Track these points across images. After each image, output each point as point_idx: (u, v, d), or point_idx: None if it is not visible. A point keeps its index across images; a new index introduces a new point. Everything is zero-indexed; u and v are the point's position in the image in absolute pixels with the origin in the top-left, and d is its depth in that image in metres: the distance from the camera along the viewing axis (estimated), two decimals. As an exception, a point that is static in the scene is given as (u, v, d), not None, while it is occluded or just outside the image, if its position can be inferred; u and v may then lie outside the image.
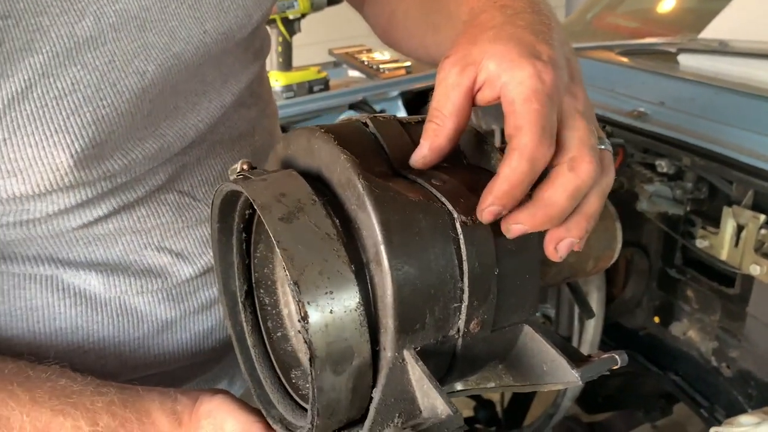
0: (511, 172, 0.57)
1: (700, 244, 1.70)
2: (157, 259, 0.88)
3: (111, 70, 0.72)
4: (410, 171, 0.63)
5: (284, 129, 2.29)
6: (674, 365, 2.00)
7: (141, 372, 0.90)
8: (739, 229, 1.61)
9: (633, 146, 1.81)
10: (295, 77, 2.34)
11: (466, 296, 0.59)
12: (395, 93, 2.49)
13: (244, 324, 0.75)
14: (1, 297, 0.83)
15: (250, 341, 0.75)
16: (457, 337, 0.61)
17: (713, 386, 1.87)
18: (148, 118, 0.78)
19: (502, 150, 0.63)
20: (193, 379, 0.98)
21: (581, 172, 0.59)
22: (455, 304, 0.59)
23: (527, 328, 0.65)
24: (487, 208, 0.58)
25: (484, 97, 0.62)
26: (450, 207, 0.60)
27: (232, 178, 0.66)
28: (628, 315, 2.04)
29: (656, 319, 2.01)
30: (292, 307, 0.73)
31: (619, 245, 0.76)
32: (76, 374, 0.77)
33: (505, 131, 0.59)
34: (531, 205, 0.58)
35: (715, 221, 1.67)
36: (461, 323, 0.60)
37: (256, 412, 0.75)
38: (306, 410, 0.69)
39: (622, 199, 1.88)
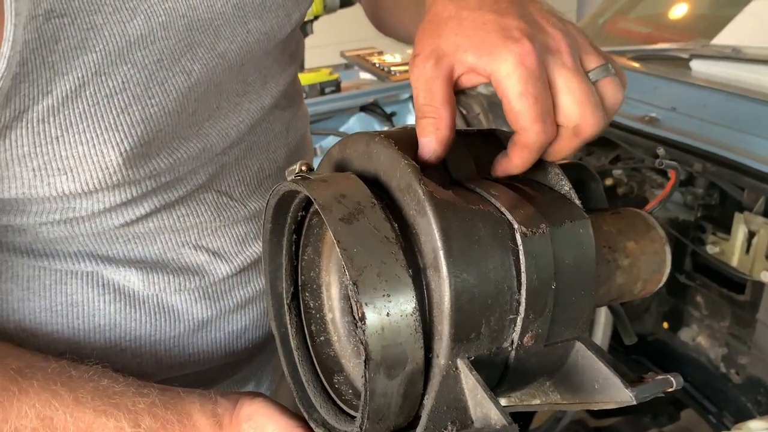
0: (520, 162, 0.63)
1: (711, 250, 1.70)
2: (195, 258, 0.88)
3: (159, 69, 0.72)
4: (468, 180, 0.63)
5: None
6: (683, 371, 1.98)
7: (176, 372, 0.90)
8: (751, 235, 1.60)
9: (644, 151, 1.80)
10: (307, 79, 2.35)
11: (522, 308, 0.58)
12: (407, 95, 2.50)
13: (289, 326, 0.74)
14: (43, 292, 0.82)
15: (293, 344, 0.74)
16: (510, 349, 0.60)
17: (722, 392, 1.87)
18: (192, 117, 0.78)
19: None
20: (225, 380, 0.97)
21: (586, 132, 0.62)
22: (511, 316, 0.58)
23: (579, 345, 0.64)
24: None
25: (468, 82, 0.63)
26: (510, 217, 0.59)
27: (289, 178, 0.65)
28: (637, 320, 2.04)
29: (665, 325, 2.01)
30: (337, 313, 0.72)
31: (668, 269, 0.75)
32: (118, 375, 0.77)
33: (508, 121, 0.61)
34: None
35: (726, 227, 1.67)
36: (516, 335, 0.59)
37: (297, 417, 0.75)
38: (349, 415, 0.68)
39: (632, 205, 1.86)
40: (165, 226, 0.83)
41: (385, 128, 2.43)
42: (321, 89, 2.37)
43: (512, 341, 0.60)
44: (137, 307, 0.85)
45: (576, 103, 0.61)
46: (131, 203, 0.78)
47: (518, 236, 0.58)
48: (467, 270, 0.56)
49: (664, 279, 0.75)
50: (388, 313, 0.55)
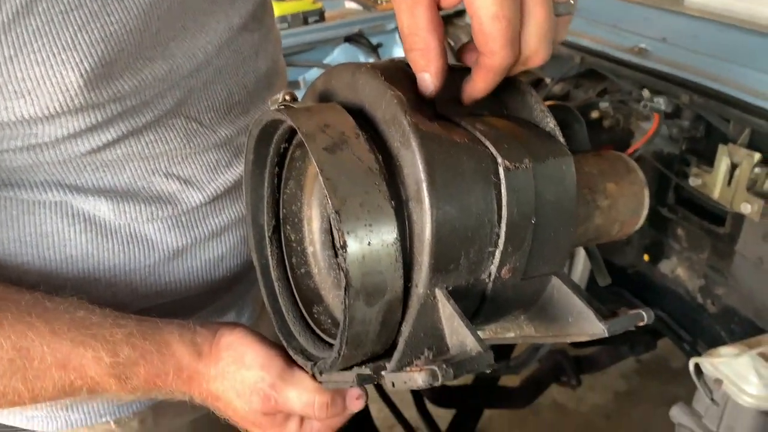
0: (484, 85, 0.62)
1: (693, 182, 1.71)
2: (166, 186, 0.85)
3: None
4: (454, 114, 0.63)
5: (276, 61, 2.25)
6: (661, 302, 2.03)
7: (152, 301, 0.89)
8: (733, 167, 1.61)
9: (632, 83, 1.79)
10: (289, 8, 2.27)
11: (501, 242, 0.59)
12: (393, 26, 2.43)
13: (270, 258, 0.75)
14: (10, 222, 0.80)
15: (274, 275, 0.75)
16: (488, 281, 0.61)
17: (697, 322, 1.91)
18: (156, 36, 0.75)
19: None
20: (203, 309, 0.97)
21: (533, 64, 0.62)
22: (490, 248, 0.59)
23: (555, 280, 0.65)
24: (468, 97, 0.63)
25: (446, 4, 0.61)
26: (493, 151, 0.59)
27: (273, 108, 0.64)
28: (618, 252, 2.06)
29: (646, 257, 2.03)
30: (318, 246, 0.73)
31: (646, 211, 0.76)
32: (94, 306, 0.76)
33: (476, 44, 0.59)
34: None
35: (710, 160, 1.67)
36: (494, 268, 0.60)
37: (276, 346, 0.75)
38: (327, 343, 0.70)
39: (618, 137, 1.87)
40: (133, 153, 0.81)
41: (372, 60, 2.41)
42: (304, 18, 2.29)
43: (490, 273, 0.60)
44: (109, 236, 0.83)
45: (537, 35, 0.60)
46: (96, 129, 0.75)
47: (501, 170, 0.58)
48: (449, 202, 0.56)
49: (642, 221, 0.76)
50: (369, 243, 0.56)
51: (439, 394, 2.43)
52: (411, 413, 2.39)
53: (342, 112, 0.61)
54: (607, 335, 0.61)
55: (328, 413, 0.75)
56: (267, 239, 0.74)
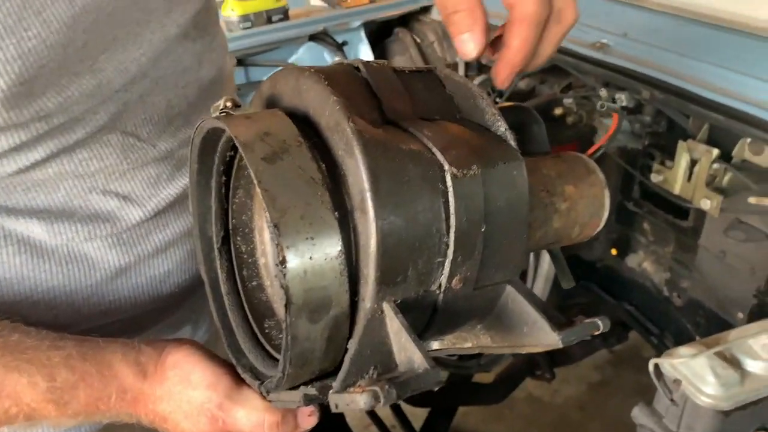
0: (522, 43, 0.61)
1: (655, 178, 1.72)
2: (104, 204, 0.82)
3: None
4: (401, 120, 0.60)
5: (241, 62, 2.22)
6: (629, 295, 2.06)
7: (97, 321, 0.86)
8: (693, 163, 1.62)
9: (594, 79, 1.79)
10: (252, 6, 2.22)
11: (450, 251, 0.57)
12: (358, 23, 2.42)
13: (219, 271, 0.72)
14: None
15: (224, 289, 0.72)
16: (438, 292, 0.59)
17: (664, 315, 1.93)
18: (83, 50, 0.71)
19: (495, 102, 0.63)
20: (154, 325, 0.94)
21: (567, 22, 0.63)
22: (439, 259, 0.57)
23: (510, 289, 0.63)
24: (506, 78, 0.63)
25: None
26: (440, 158, 0.57)
27: (214, 115, 0.62)
28: (587, 247, 2.06)
29: (613, 251, 2.05)
30: (270, 257, 0.70)
31: (606, 213, 0.74)
32: (30, 329, 0.73)
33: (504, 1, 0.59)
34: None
35: (673, 155, 1.68)
36: (444, 279, 0.58)
37: (224, 363, 0.73)
38: (276, 360, 0.67)
39: (581, 133, 1.86)
40: (67, 172, 0.77)
41: (336, 58, 2.38)
42: (267, 17, 2.24)
43: (440, 284, 0.58)
44: (45, 257, 0.80)
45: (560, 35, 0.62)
46: (22, 148, 0.72)
47: (448, 177, 0.56)
48: (395, 212, 0.54)
49: (602, 223, 0.75)
50: (311, 257, 0.53)
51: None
52: (386, 413, 2.37)
53: (284, 119, 0.58)
54: (561, 346, 0.59)
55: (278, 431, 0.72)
56: (216, 251, 0.72)
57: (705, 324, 1.77)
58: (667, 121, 1.74)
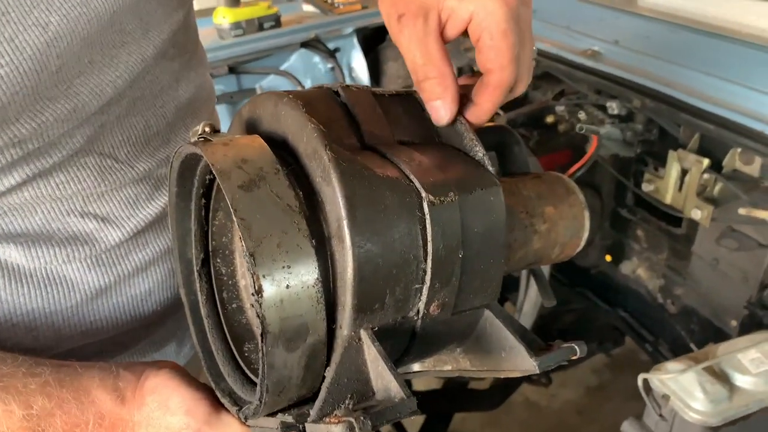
0: (492, 106, 0.64)
1: (646, 188, 1.72)
2: (82, 226, 0.81)
3: (6, 24, 0.64)
4: (380, 145, 0.61)
5: (233, 69, 2.22)
6: (623, 302, 2.07)
7: (79, 341, 0.85)
8: (683, 173, 1.63)
9: (587, 87, 1.79)
10: (243, 14, 2.23)
11: (428, 278, 0.57)
12: (350, 30, 2.42)
13: (199, 293, 0.72)
14: None
15: (203, 311, 0.72)
16: (416, 318, 0.59)
17: (658, 322, 1.94)
18: (57, 75, 0.70)
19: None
20: (137, 344, 0.93)
21: (517, 92, 0.66)
22: (416, 286, 0.57)
23: (488, 313, 0.63)
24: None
25: (452, 31, 0.62)
26: (418, 185, 0.57)
27: (192, 140, 0.61)
28: (582, 254, 2.05)
29: (608, 258, 2.06)
30: (249, 279, 0.69)
31: (586, 234, 0.75)
32: (6, 355, 0.72)
33: (482, 63, 0.62)
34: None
35: (665, 163, 1.69)
36: (421, 305, 0.58)
37: (203, 388, 0.72)
38: (256, 385, 0.67)
39: (574, 141, 1.86)
40: (43, 196, 0.76)
41: (329, 65, 2.38)
42: (259, 25, 2.26)
43: (418, 310, 0.58)
44: (24, 281, 0.79)
45: (527, 62, 0.63)
46: None
47: (425, 205, 0.56)
48: (372, 240, 0.54)
49: (583, 243, 0.75)
50: (287, 285, 0.53)
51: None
52: (381, 418, 2.36)
53: (261, 145, 0.58)
54: (538, 372, 0.59)
55: None
56: (196, 274, 0.71)
57: (699, 331, 1.78)
58: (659, 130, 1.74)
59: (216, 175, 0.55)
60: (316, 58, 2.38)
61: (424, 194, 0.56)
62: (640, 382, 1.30)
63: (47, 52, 0.67)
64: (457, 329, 0.63)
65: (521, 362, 0.61)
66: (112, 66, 0.76)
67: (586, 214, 0.74)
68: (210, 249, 0.71)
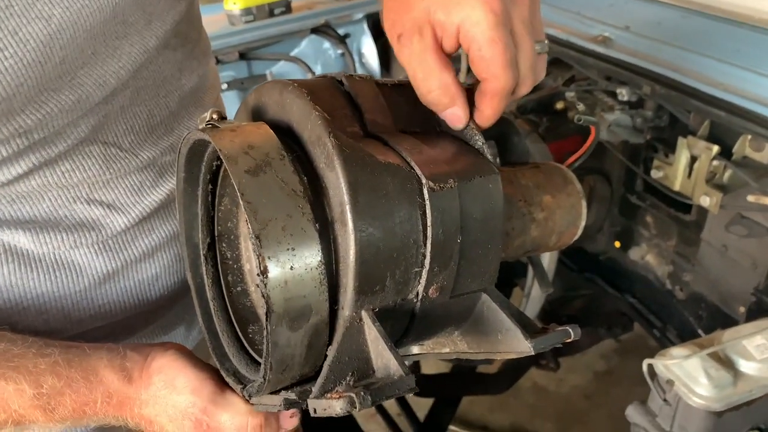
0: (493, 112, 0.64)
1: (655, 174, 1.73)
2: (88, 212, 0.83)
3: (9, 17, 0.66)
4: (383, 133, 0.63)
5: (243, 55, 2.23)
6: (632, 288, 2.07)
7: (87, 325, 0.87)
8: (693, 160, 1.62)
9: (597, 73, 1.79)
10: (254, 0, 2.24)
11: (427, 261, 0.59)
12: (360, 15, 2.43)
13: (205, 277, 0.74)
14: None
15: (209, 294, 0.74)
16: (415, 301, 0.61)
17: (667, 308, 1.94)
18: (61, 66, 0.72)
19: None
20: (145, 327, 0.95)
21: (519, 94, 0.66)
22: (416, 269, 0.59)
23: (485, 297, 0.65)
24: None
25: (448, 46, 0.63)
26: (419, 172, 0.59)
27: (200, 127, 0.64)
28: (590, 240, 2.08)
29: (617, 244, 2.06)
30: (254, 262, 0.72)
31: (583, 222, 0.77)
32: (16, 336, 0.75)
33: (477, 73, 0.63)
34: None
35: (675, 149, 1.69)
36: (421, 288, 0.60)
37: (208, 368, 0.75)
38: (259, 365, 0.69)
39: (583, 128, 1.87)
40: (50, 184, 0.79)
41: (339, 51, 2.39)
42: (270, 10, 2.26)
43: (417, 293, 0.61)
44: (33, 266, 0.82)
45: (527, 62, 0.63)
46: (4, 163, 0.73)
47: (425, 191, 0.59)
48: (373, 224, 0.56)
49: (580, 232, 0.77)
50: (292, 267, 0.56)
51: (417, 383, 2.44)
52: (390, 402, 2.39)
53: (267, 132, 0.60)
54: (533, 353, 0.62)
55: None
56: (202, 258, 0.74)
57: (707, 317, 1.79)
58: (669, 116, 1.74)
59: (223, 160, 0.57)
60: (327, 44, 2.39)
61: (424, 181, 0.59)
62: (645, 368, 1.32)
63: (50, 44, 0.69)
64: (455, 312, 0.66)
65: (517, 344, 0.63)
66: (115, 57, 0.78)
67: (584, 204, 0.76)
68: (216, 234, 0.74)
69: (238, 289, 0.74)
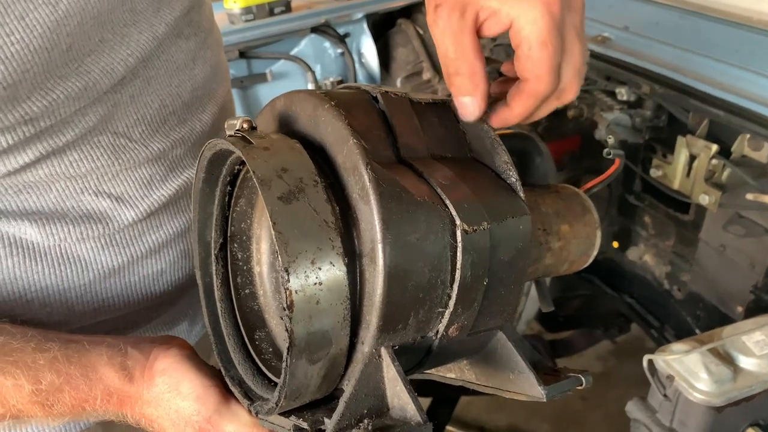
0: (524, 111, 0.65)
1: (654, 173, 1.76)
2: (96, 204, 0.83)
3: (16, 2, 0.66)
4: (415, 159, 0.63)
5: (243, 54, 2.24)
6: (629, 288, 2.12)
7: (91, 318, 0.88)
8: (692, 159, 1.66)
9: (596, 73, 1.81)
10: None
11: (452, 303, 0.60)
12: (360, 15, 2.45)
13: (214, 276, 0.74)
14: None
15: (217, 295, 0.74)
16: (434, 338, 0.62)
17: (665, 308, 1.99)
18: (68, 53, 0.72)
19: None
20: (149, 322, 0.96)
21: (566, 99, 0.66)
22: (440, 309, 0.60)
23: (501, 335, 0.67)
24: (496, 126, 0.66)
25: (488, 31, 0.63)
26: (453, 212, 0.59)
27: (228, 134, 0.63)
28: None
29: (615, 244, 2.10)
30: (265, 267, 0.73)
31: (595, 252, 0.79)
32: (16, 330, 0.75)
33: (519, 71, 0.63)
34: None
35: (674, 150, 1.72)
36: (441, 327, 0.61)
37: (212, 374, 0.75)
38: (266, 377, 0.70)
39: (582, 127, 1.89)
40: (58, 174, 0.79)
41: (339, 50, 2.39)
42: (270, 9, 2.28)
43: (437, 331, 0.62)
44: (38, 259, 0.82)
45: (573, 69, 0.63)
46: (10, 151, 0.73)
47: (459, 233, 0.59)
48: (403, 264, 0.56)
49: (590, 261, 0.79)
50: (318, 302, 0.56)
51: (415, 383, 2.46)
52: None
53: (302, 154, 0.60)
54: (545, 400, 0.63)
55: None
56: (213, 257, 0.74)
57: (705, 317, 1.84)
58: (667, 116, 1.77)
59: (257, 184, 0.57)
60: (327, 44, 2.43)
61: (458, 222, 0.59)
62: (645, 363, 1.35)
63: (57, 30, 0.69)
64: (470, 347, 0.67)
65: (529, 388, 0.64)
66: (123, 44, 0.78)
67: (598, 234, 0.77)
68: (228, 233, 0.74)
69: (247, 291, 0.74)
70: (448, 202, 0.59)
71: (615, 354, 2.91)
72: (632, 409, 1.43)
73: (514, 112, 0.65)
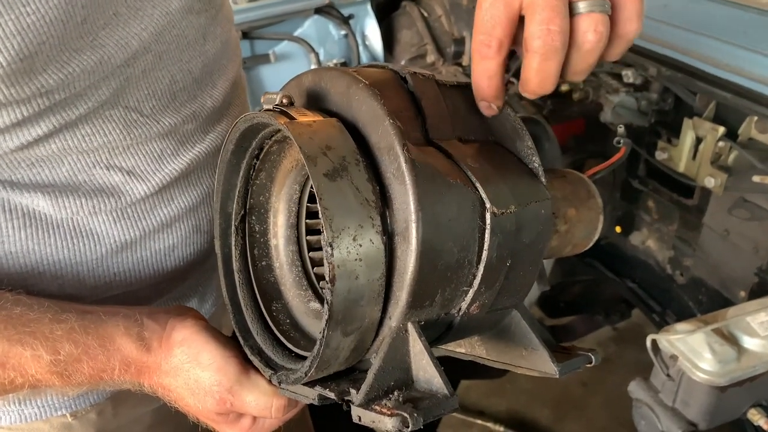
0: (532, 73, 0.66)
1: (660, 156, 1.83)
2: (108, 178, 0.87)
3: None
4: (442, 140, 0.68)
5: (246, 34, 2.29)
6: (632, 273, 2.20)
7: (102, 293, 0.92)
8: (698, 141, 1.73)
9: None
10: None
11: (476, 282, 0.67)
12: (364, -5, 2.56)
13: (233, 247, 0.80)
14: None
15: (236, 266, 0.80)
16: (456, 315, 0.69)
17: (667, 293, 2.07)
18: (83, 26, 0.76)
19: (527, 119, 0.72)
20: (160, 298, 1.00)
21: (586, 46, 0.68)
22: (465, 288, 0.67)
23: (515, 313, 0.74)
24: (529, 96, 0.69)
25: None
26: (483, 195, 0.66)
27: (266, 107, 0.69)
28: (590, 224, 2.13)
29: (618, 229, 2.18)
30: (281, 240, 0.79)
31: (597, 236, 0.85)
32: (32, 301, 0.79)
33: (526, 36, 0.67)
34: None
35: (679, 133, 1.78)
36: (464, 304, 0.68)
37: (231, 344, 0.81)
38: (286, 348, 0.76)
39: (587, 110, 1.91)
40: (70, 147, 0.83)
41: (342, 32, 2.42)
42: (274, -11, 2.35)
43: (460, 309, 0.69)
44: (51, 231, 0.85)
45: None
46: (24, 124, 0.78)
47: (488, 216, 0.65)
48: (435, 243, 0.63)
49: (591, 244, 0.85)
50: (357, 277, 0.62)
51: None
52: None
53: (343, 132, 0.65)
54: (558, 377, 0.69)
55: (285, 413, 0.81)
56: (233, 228, 0.80)
57: (707, 302, 1.93)
58: (674, 99, 1.82)
59: (305, 160, 0.62)
60: (330, 25, 2.49)
61: (488, 205, 0.65)
62: (648, 343, 1.39)
63: (72, 2, 0.73)
64: (486, 324, 0.74)
65: (542, 365, 0.71)
66: (137, 18, 0.83)
67: (601, 219, 0.84)
68: (248, 206, 0.79)
69: (263, 263, 0.80)
70: (478, 185, 0.65)
71: (615, 340, 3.02)
72: (635, 389, 1.48)
73: (524, 78, 0.66)
